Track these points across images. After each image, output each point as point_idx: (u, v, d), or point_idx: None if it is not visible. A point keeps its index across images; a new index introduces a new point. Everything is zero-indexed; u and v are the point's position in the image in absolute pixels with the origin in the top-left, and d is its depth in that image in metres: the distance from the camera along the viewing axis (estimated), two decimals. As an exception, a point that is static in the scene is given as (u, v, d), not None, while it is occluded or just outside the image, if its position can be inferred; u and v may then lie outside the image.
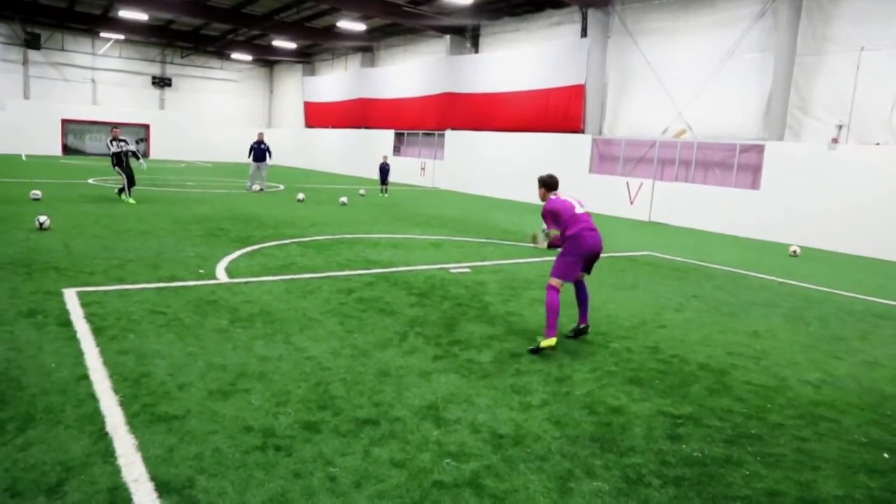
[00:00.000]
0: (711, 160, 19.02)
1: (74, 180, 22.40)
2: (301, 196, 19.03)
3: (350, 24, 30.47)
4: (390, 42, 34.73)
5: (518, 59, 25.35)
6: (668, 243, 14.64)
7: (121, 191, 16.37)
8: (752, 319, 7.82)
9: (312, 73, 43.80)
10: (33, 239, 10.39)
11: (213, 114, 46.33)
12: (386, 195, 23.21)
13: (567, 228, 6.00)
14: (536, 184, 6.41)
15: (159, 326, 6.19)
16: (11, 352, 5.25)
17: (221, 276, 8.60)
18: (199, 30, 38.90)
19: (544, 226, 6.26)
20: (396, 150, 33.46)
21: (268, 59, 46.54)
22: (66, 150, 41.92)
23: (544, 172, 6.50)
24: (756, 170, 17.58)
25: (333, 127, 39.46)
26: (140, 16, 32.89)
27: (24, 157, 34.14)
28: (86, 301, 6.90)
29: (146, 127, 44.13)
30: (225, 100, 47.78)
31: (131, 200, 16.00)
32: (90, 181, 22.50)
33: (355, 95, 36.87)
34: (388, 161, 24.41)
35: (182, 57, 45.18)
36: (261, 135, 22.57)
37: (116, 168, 16.17)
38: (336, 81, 39.64)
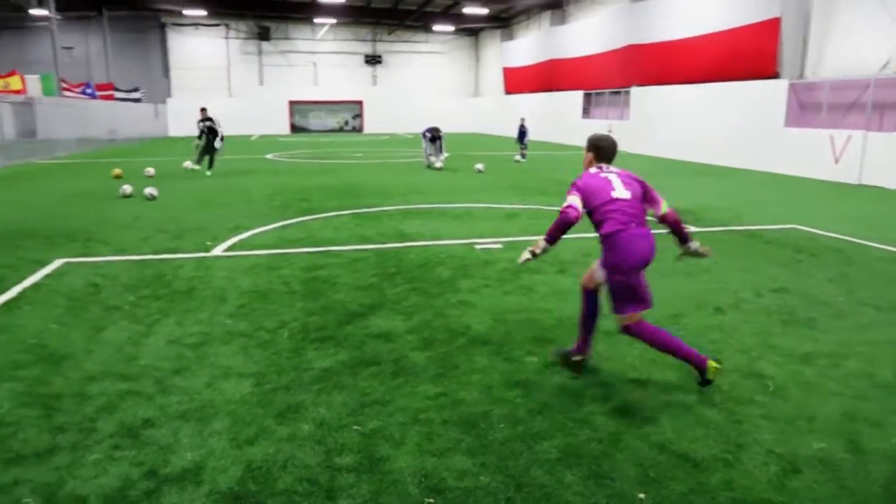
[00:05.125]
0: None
1: (255, 155, 24.10)
2: (479, 166, 17.89)
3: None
4: (580, -6, 32.12)
5: (703, -3, 21.58)
6: (856, 214, 11.02)
7: (210, 164, 17.26)
8: (831, 335, 5.09)
9: (510, 37, 42.56)
10: (118, 209, 10.95)
11: (421, 87, 47.50)
12: (523, 160, 21.27)
13: (602, 222, 3.90)
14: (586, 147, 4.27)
15: (70, 300, 5.79)
16: None
17: (219, 249, 8.08)
18: (397, 4, 39.81)
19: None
20: (585, 111, 30.98)
21: (470, 28, 46.30)
22: (294, 128, 46.15)
23: (602, 133, 4.42)
24: None
25: (528, 91, 37.90)
26: (338, -2, 34.53)
27: (253, 138, 38.12)
28: (56, 272, 6.91)
29: (360, 103, 46.77)
30: (432, 72, 48.69)
31: (207, 173, 16.75)
32: (268, 156, 24.03)
33: (544, 57, 34.93)
34: (526, 124, 22.25)
35: (389, 34, 46.81)
36: (437, 129, 19.82)
37: (200, 143, 17.23)
38: (529, 44, 38.02)
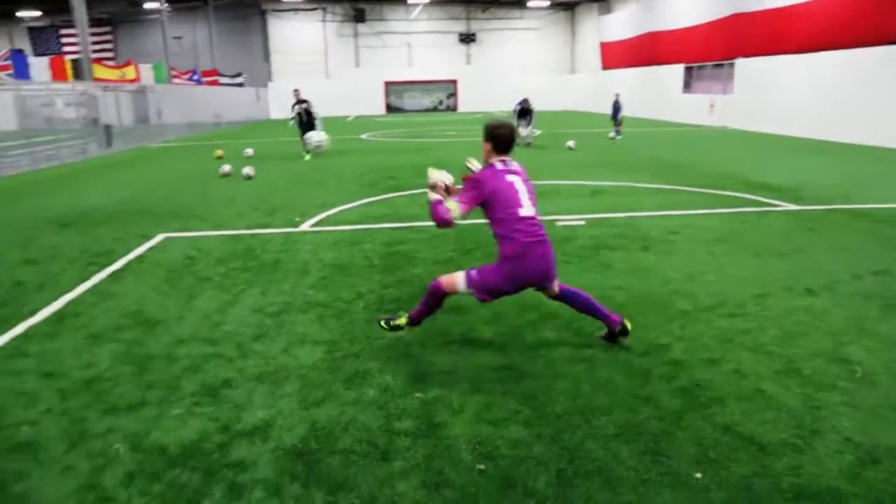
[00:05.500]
0: None
1: (350, 136, 24.72)
2: (571, 143, 17.62)
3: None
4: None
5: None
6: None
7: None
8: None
9: (608, 11, 41.23)
10: (217, 188, 11.59)
11: (515, 64, 47.00)
12: (619, 137, 20.61)
13: (505, 232, 3.80)
14: (483, 135, 4.04)
15: (168, 271, 6.25)
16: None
17: (306, 225, 8.40)
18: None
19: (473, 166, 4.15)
20: (686, 86, 29.68)
21: (566, 3, 45.20)
22: (389, 108, 46.95)
23: (498, 120, 4.17)
24: None
25: (626, 67, 36.69)
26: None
27: (349, 119, 39.11)
28: (158, 245, 7.44)
29: (454, 82, 46.89)
30: (526, 49, 48.04)
31: (307, 157, 16.66)
32: (362, 136, 24.59)
33: (643, 30, 33.64)
34: (621, 100, 21.45)
35: (483, 12, 46.49)
36: (526, 100, 19.32)
37: (297, 127, 17.12)
38: (627, 17, 36.73)
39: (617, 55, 38.30)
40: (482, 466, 2.87)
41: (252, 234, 7.90)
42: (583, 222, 8.03)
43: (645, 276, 5.68)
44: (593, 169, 13.22)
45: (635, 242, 6.86)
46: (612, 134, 21.07)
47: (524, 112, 18.65)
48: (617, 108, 21.04)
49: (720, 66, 26.60)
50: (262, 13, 45.41)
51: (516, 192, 3.84)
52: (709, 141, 20.07)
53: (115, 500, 2.71)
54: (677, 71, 29.96)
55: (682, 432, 3.11)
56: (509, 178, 3.88)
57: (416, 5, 45.02)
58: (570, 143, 17.46)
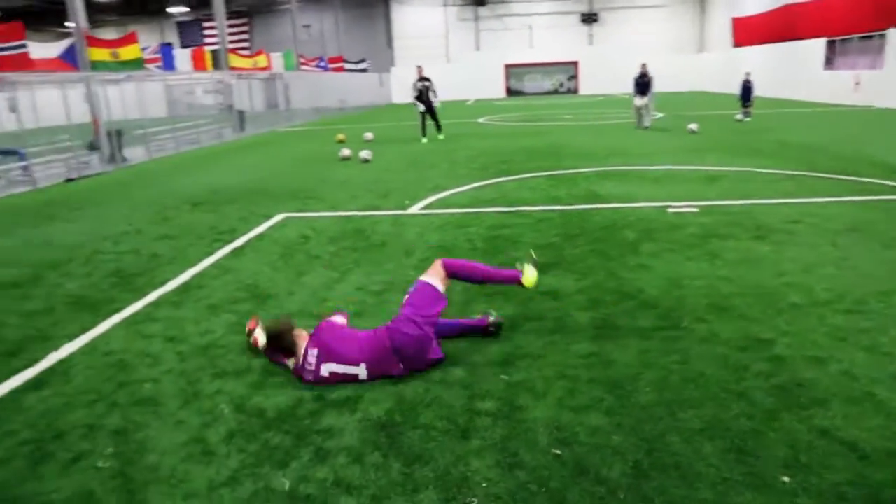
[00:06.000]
0: None
1: (468, 119, 24.92)
2: (693, 126, 16.95)
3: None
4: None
5: None
6: None
7: (438, 129, 17.58)
8: None
9: (743, -17, 38.65)
10: (336, 171, 12.14)
11: (638, 44, 45.20)
12: (747, 119, 19.30)
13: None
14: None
15: (283, 248, 6.68)
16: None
17: (415, 208, 8.64)
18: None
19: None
20: (828, 62, 27.37)
21: (697, -23, 42.86)
22: (509, 91, 46.77)
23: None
24: None
25: (759, 43, 34.33)
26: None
27: (468, 102, 39.37)
28: (277, 224, 7.94)
29: (575, 64, 45.90)
30: (652, 28, 46.10)
31: (440, 136, 17.15)
32: (479, 120, 24.70)
33: (780, 2, 31.25)
34: (751, 78, 19.97)
35: (607, -10, 45.08)
36: (643, 66, 18.87)
37: (420, 105, 17.26)
38: (764, -11, 34.24)
39: (750, 31, 35.89)
40: (558, 451, 2.89)
41: (364, 216, 8.22)
42: (695, 209, 7.68)
43: (756, 266, 5.37)
44: (714, 153, 12.55)
45: (749, 231, 6.49)
46: (739, 116, 19.85)
47: (644, 85, 18.01)
48: (747, 87, 19.74)
49: (868, 37, 24.27)
50: (386, 1, 46.51)
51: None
52: (849, 121, 18.43)
53: (216, 454, 2.98)
54: (818, 46, 27.66)
55: (773, 433, 2.96)
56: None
57: (537, -14, 44.40)
58: (693, 126, 16.65)
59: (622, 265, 5.63)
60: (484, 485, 2.69)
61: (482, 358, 3.88)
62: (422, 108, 17.23)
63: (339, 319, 4.03)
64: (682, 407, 3.21)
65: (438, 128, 17.57)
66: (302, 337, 3.76)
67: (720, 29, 42.26)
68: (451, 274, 4.05)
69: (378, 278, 5.58)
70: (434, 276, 3.95)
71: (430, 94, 17.21)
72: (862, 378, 3.45)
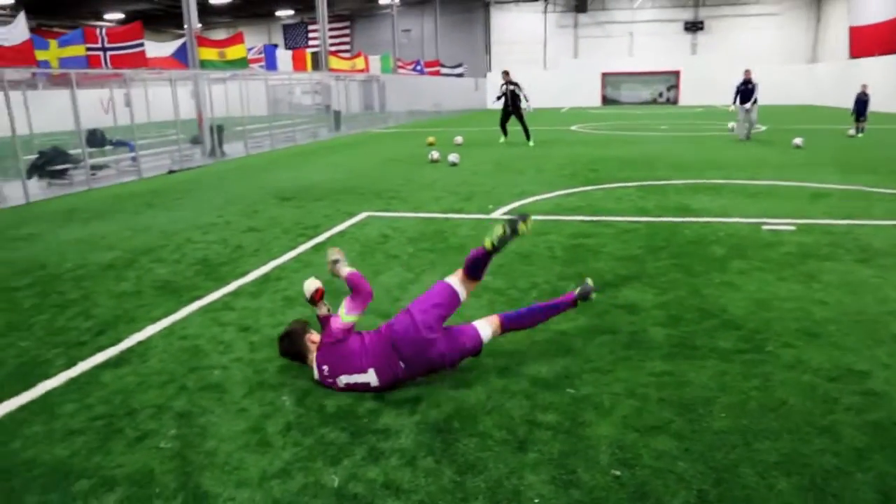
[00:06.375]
0: None
1: (561, 127, 24.60)
2: (798, 141, 15.79)
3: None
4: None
5: None
6: None
7: (527, 137, 17.43)
8: None
9: (865, -10, 36.13)
10: (423, 173, 12.26)
11: (746, 54, 43.20)
12: (860, 135, 17.95)
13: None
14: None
15: (363, 246, 6.79)
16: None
17: (498, 213, 8.59)
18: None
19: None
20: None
21: (815, -17, 40.52)
22: (605, 100, 45.85)
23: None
24: None
25: (881, 54, 32.00)
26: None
27: (563, 110, 38.91)
28: (360, 222, 8.09)
29: (676, 73, 44.44)
30: (761, 36, 43.91)
31: (531, 144, 16.95)
32: (572, 127, 24.33)
33: (908, 11, 29.04)
34: (868, 90, 18.52)
35: (715, -3, 43.36)
36: (748, 72, 17.91)
37: (508, 109, 17.20)
38: (890, -5, 31.86)
39: (870, 41, 33.48)
40: (618, 472, 2.74)
41: (445, 218, 8.22)
42: (793, 227, 7.20)
43: (857, 291, 4.96)
44: (821, 169, 11.77)
45: (852, 253, 6.01)
46: (851, 131, 18.55)
47: (748, 93, 17.14)
48: (862, 101, 18.42)
49: None
50: (486, 5, 46.69)
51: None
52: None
53: (272, 445, 3.02)
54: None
55: (861, 473, 2.69)
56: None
57: (640, -7, 43.34)
58: (797, 141, 15.69)
59: (707, 282, 5.34)
60: (536, 500, 2.59)
61: (548, 368, 3.76)
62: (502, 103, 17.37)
63: (338, 322, 3.70)
64: (758, 437, 2.98)
65: (527, 136, 17.42)
66: (313, 341, 3.69)
67: (836, 39, 39.73)
68: (508, 329, 3.89)
69: (452, 281, 5.53)
70: (486, 325, 3.78)
71: (522, 100, 17.13)
72: (973, 422, 3.09)
